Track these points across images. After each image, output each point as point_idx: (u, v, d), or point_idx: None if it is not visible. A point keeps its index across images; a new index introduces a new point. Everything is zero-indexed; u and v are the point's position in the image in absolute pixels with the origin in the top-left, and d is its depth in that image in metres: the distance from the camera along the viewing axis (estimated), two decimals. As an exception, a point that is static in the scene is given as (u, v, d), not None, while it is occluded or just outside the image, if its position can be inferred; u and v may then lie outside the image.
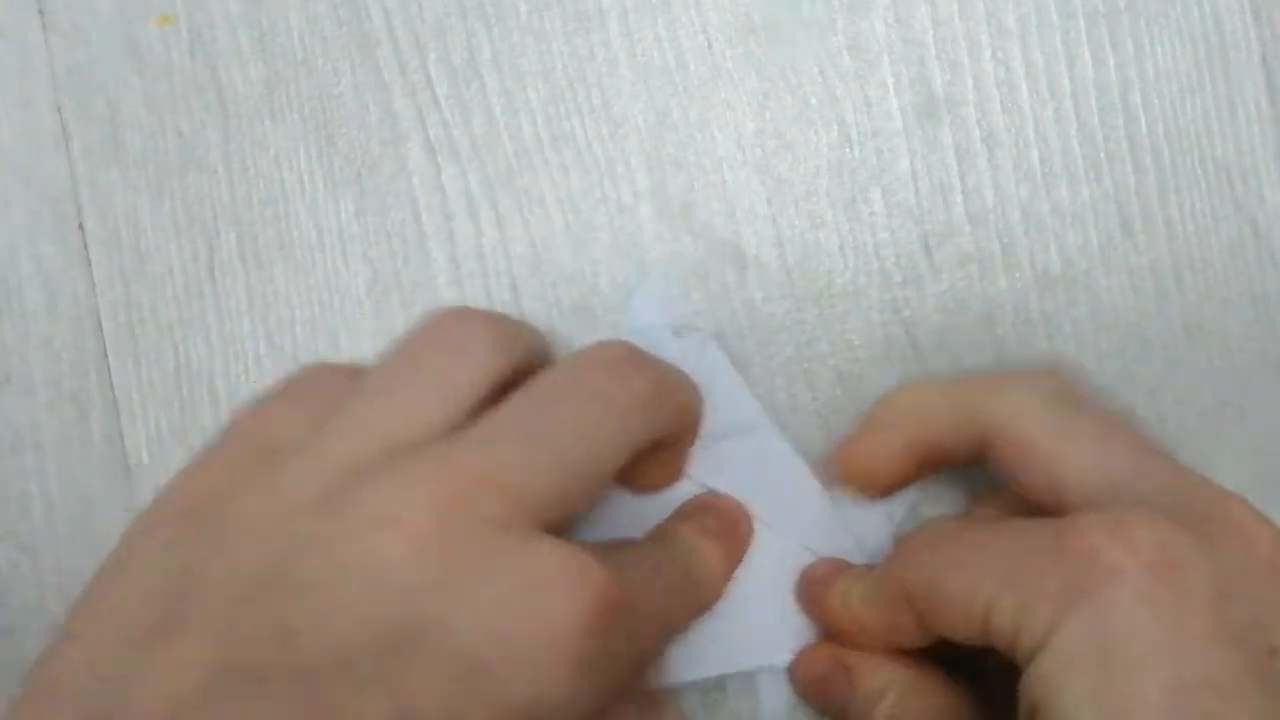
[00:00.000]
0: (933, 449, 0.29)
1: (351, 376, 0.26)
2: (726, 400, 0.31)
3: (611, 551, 0.25)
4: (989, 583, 0.25)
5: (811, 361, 0.32)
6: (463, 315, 0.26)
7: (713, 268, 0.32)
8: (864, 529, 0.31)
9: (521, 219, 0.33)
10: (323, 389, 0.26)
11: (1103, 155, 0.32)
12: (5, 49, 0.34)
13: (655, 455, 0.28)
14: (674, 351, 0.31)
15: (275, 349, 0.33)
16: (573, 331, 0.33)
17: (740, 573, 0.30)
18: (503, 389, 0.25)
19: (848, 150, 0.32)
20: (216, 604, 0.22)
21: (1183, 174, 0.32)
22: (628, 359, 0.26)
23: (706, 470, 0.30)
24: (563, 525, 0.24)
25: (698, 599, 0.29)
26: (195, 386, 0.33)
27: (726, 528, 0.30)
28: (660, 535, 0.29)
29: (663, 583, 0.28)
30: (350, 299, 0.33)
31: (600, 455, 0.25)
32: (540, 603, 0.22)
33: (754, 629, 0.30)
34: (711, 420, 0.30)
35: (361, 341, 0.33)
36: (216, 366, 0.33)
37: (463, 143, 0.33)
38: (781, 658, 0.30)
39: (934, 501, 0.32)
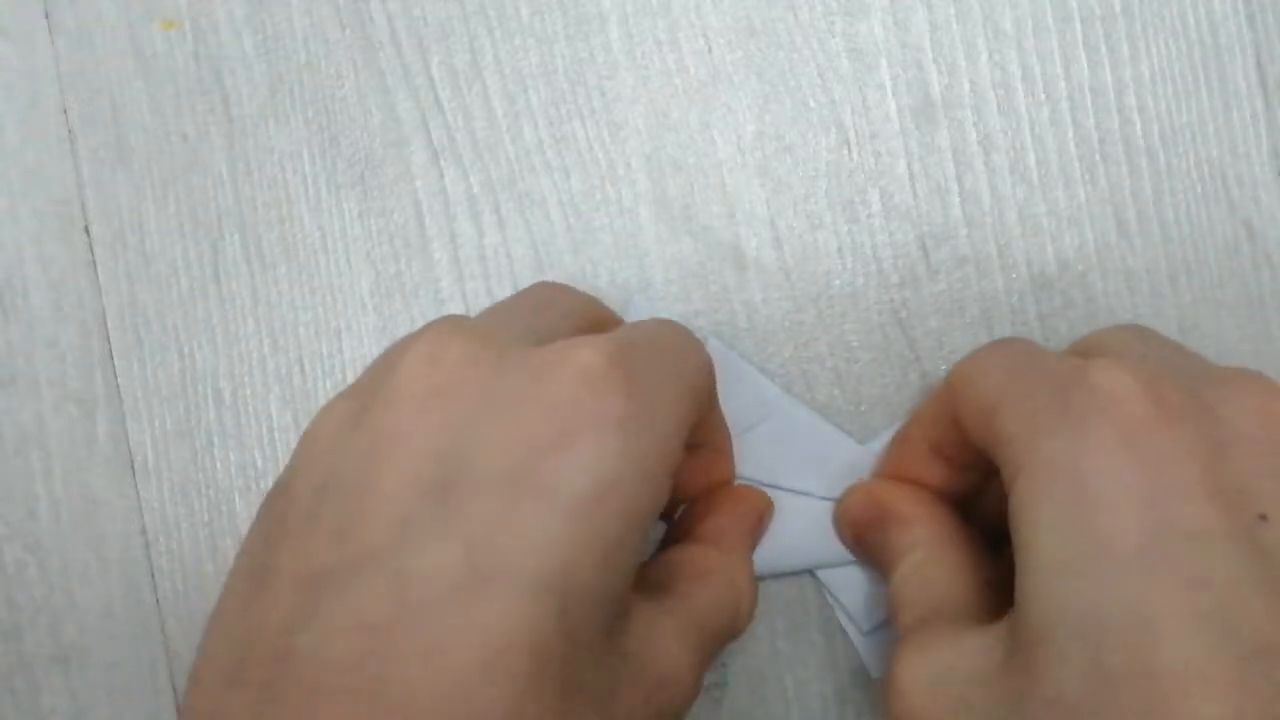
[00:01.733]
0: (947, 447, 0.29)
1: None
2: (742, 388, 0.32)
3: None
4: (1007, 385, 0.25)
5: (810, 362, 0.32)
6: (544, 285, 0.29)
7: (712, 269, 0.33)
8: None
9: (523, 221, 0.33)
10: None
11: (1098, 157, 0.32)
12: (12, 52, 0.34)
13: (700, 452, 0.29)
14: None
15: (279, 350, 0.34)
16: (574, 332, 0.33)
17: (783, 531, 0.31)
18: None
19: (846, 153, 0.33)
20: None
21: (1178, 176, 0.32)
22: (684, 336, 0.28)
23: (744, 464, 0.31)
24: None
25: (732, 623, 0.29)
26: (200, 387, 0.34)
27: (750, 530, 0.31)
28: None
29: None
30: (353, 300, 0.33)
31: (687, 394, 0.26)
32: None
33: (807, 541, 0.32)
34: (734, 414, 0.31)
35: (364, 342, 0.33)
36: (221, 367, 0.34)
37: (465, 145, 0.33)
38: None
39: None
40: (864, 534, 0.30)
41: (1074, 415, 0.23)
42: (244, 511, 0.33)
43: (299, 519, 0.23)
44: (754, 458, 0.31)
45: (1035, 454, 0.23)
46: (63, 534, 0.34)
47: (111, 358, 0.34)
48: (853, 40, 0.33)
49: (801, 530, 0.31)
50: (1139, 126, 0.32)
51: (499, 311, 0.28)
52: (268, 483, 0.33)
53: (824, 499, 0.31)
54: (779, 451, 0.31)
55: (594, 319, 0.29)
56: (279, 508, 0.24)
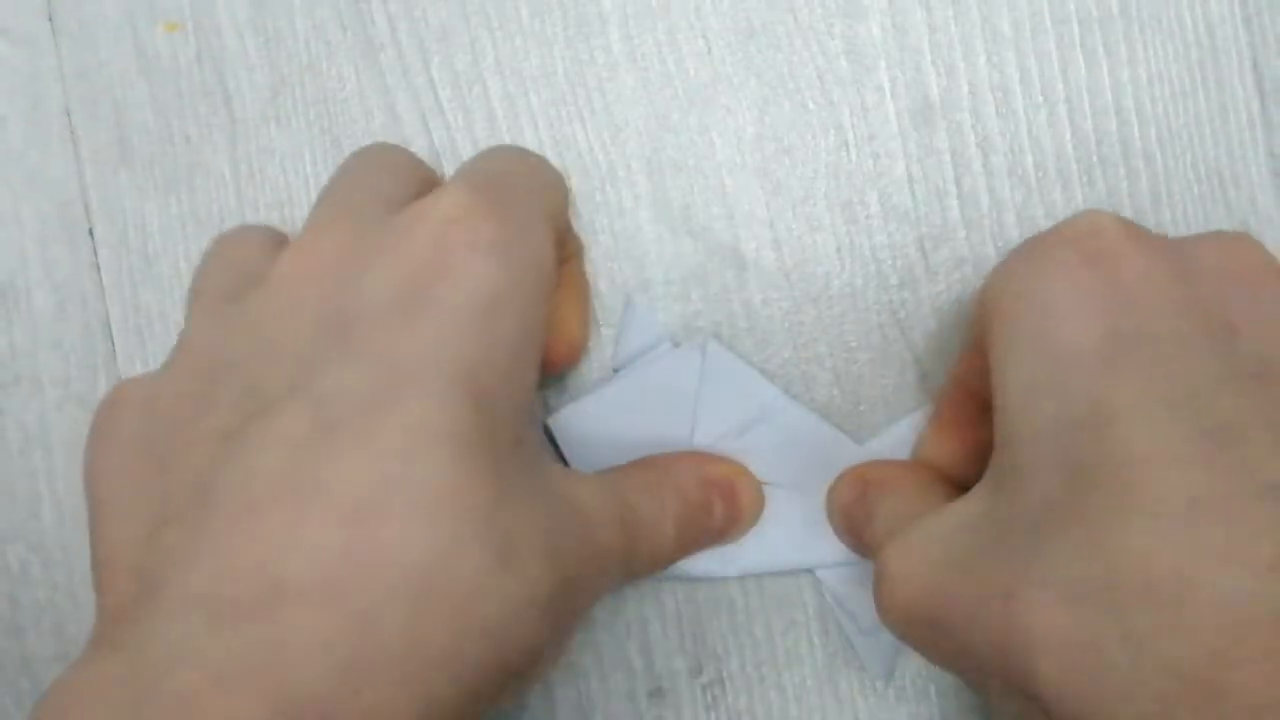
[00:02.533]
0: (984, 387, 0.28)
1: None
2: (742, 389, 0.32)
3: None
4: (999, 267, 0.25)
5: (809, 363, 0.33)
6: (362, 153, 0.30)
7: (712, 270, 0.33)
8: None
9: (523, 222, 0.33)
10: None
11: (1096, 159, 0.32)
12: (15, 54, 0.35)
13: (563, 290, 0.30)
14: (676, 360, 0.32)
15: (281, 350, 0.34)
16: (574, 333, 0.33)
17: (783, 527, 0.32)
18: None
19: (845, 154, 0.33)
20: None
21: (1175, 178, 0.32)
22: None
23: (743, 463, 0.32)
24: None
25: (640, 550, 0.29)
26: (202, 387, 0.34)
27: (730, 515, 0.31)
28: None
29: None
30: (355, 301, 0.34)
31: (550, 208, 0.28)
32: None
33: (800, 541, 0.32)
34: (734, 412, 0.31)
35: (366, 343, 0.33)
36: (223, 368, 0.34)
37: (465, 146, 0.33)
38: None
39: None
40: (851, 513, 0.30)
41: (1041, 250, 0.24)
42: (246, 511, 0.34)
43: (201, 395, 0.24)
44: (752, 458, 0.31)
45: (1003, 294, 0.24)
46: (66, 534, 0.34)
47: (115, 359, 0.34)
48: (851, 42, 0.33)
49: (799, 529, 0.31)
50: (1136, 128, 0.32)
51: (340, 194, 0.28)
52: (270, 483, 0.34)
53: (822, 498, 0.31)
54: (777, 451, 0.31)
55: (425, 178, 0.30)
56: (180, 388, 0.25)
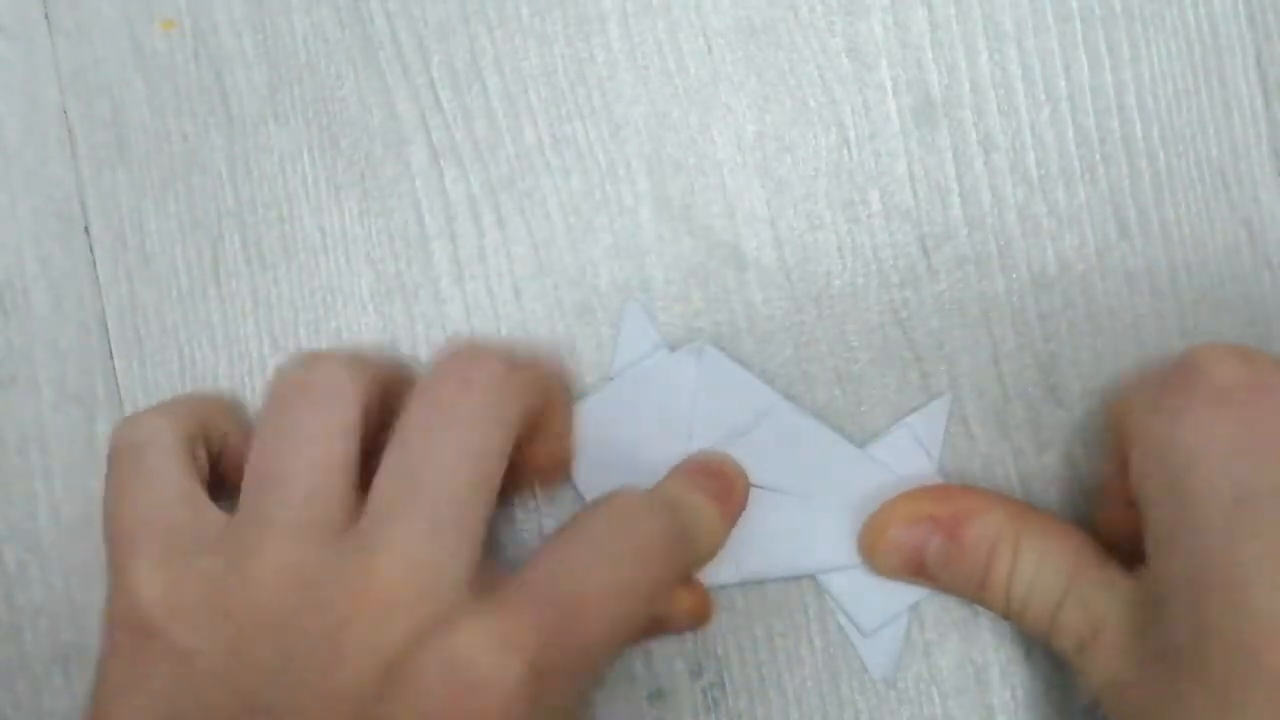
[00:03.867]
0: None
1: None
2: (739, 394, 0.32)
3: (548, 562, 0.26)
4: (1133, 381, 0.27)
5: (810, 362, 0.32)
6: (301, 384, 0.28)
7: (712, 269, 0.33)
8: (903, 467, 0.31)
9: (523, 221, 0.33)
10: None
11: (1098, 157, 0.32)
12: (11, 52, 0.34)
13: (540, 438, 0.29)
14: (673, 367, 0.32)
15: (279, 350, 0.34)
16: (574, 332, 0.33)
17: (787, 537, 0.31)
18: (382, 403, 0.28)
19: (846, 152, 0.33)
20: None
21: (1178, 176, 0.32)
22: (466, 357, 0.28)
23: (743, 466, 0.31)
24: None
25: (694, 554, 0.30)
26: (200, 387, 0.34)
27: (724, 489, 0.31)
28: (655, 494, 0.30)
29: (625, 562, 0.28)
30: (353, 301, 0.33)
31: (488, 467, 0.26)
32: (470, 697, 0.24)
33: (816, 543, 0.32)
34: (732, 418, 0.31)
35: (364, 343, 0.33)
36: (221, 368, 0.34)
37: (465, 145, 0.33)
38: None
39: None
40: (923, 555, 0.29)
41: (1172, 386, 0.25)
42: (244, 512, 0.33)
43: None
44: (752, 462, 0.31)
45: (1140, 427, 0.25)
46: (63, 534, 0.34)
47: (111, 358, 0.34)
48: (853, 40, 0.33)
49: (801, 534, 0.31)
50: (1139, 126, 0.32)
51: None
52: (268, 483, 0.33)
53: (823, 503, 0.31)
54: (777, 456, 0.31)
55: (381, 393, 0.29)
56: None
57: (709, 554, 0.30)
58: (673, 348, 0.32)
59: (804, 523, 0.31)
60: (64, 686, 0.33)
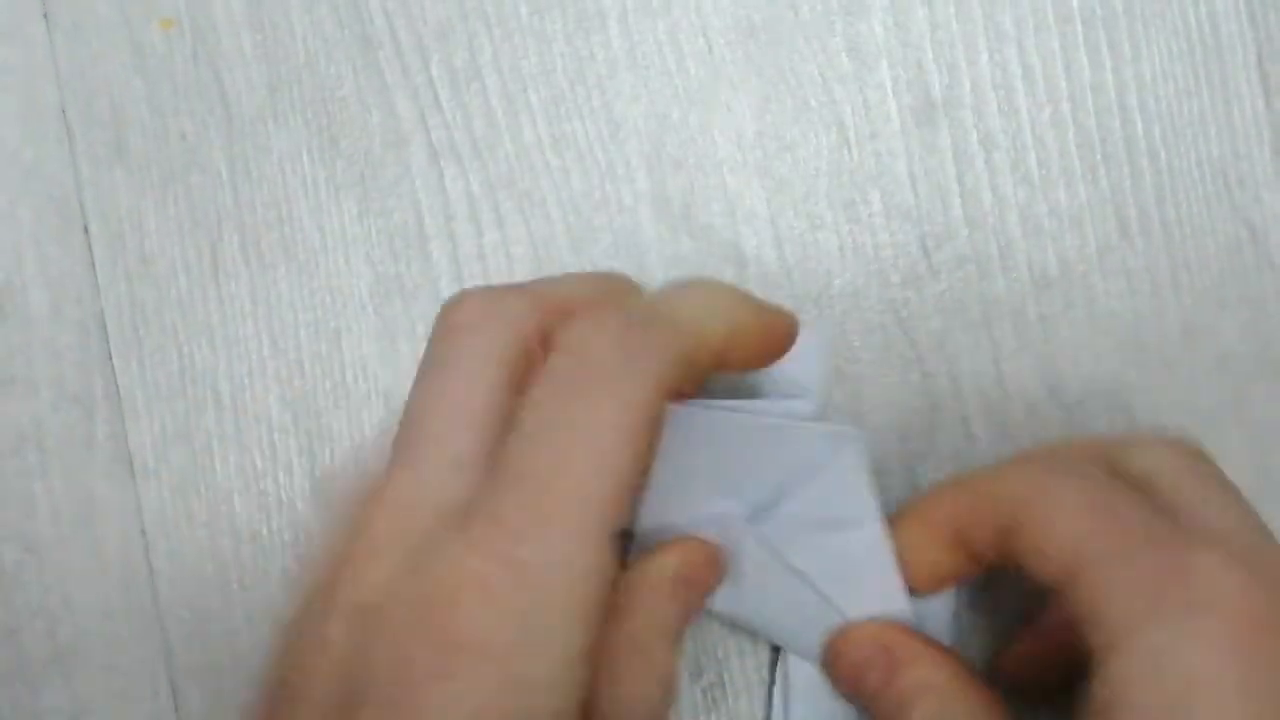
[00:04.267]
0: (966, 541, 0.28)
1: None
2: (843, 493, 0.29)
3: None
4: (1092, 539, 0.24)
5: (811, 362, 0.32)
6: (459, 308, 0.25)
7: (712, 268, 0.33)
8: (929, 623, 0.30)
9: (523, 220, 0.33)
10: None
11: (1099, 157, 0.32)
12: (11, 52, 0.34)
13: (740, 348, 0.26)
14: (812, 442, 0.29)
15: (278, 350, 0.33)
16: (574, 332, 0.33)
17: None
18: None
19: (846, 152, 0.33)
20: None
21: (1179, 176, 0.32)
22: (608, 323, 0.24)
23: (795, 553, 0.29)
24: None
25: None
26: (199, 388, 0.34)
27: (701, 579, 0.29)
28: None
29: None
30: (353, 300, 0.33)
31: (621, 450, 0.23)
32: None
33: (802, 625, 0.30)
34: (819, 508, 0.29)
35: (364, 343, 0.33)
36: (220, 368, 0.34)
37: (464, 145, 0.33)
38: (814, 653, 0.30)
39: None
40: (864, 678, 0.29)
41: (1179, 607, 0.23)
42: (243, 512, 0.33)
43: None
44: (808, 552, 0.29)
45: (1135, 640, 0.24)
46: (61, 535, 0.34)
47: (110, 358, 0.34)
48: (853, 40, 0.33)
49: (789, 610, 0.30)
50: (1140, 126, 0.32)
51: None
52: (267, 483, 0.33)
53: (823, 595, 0.29)
54: (833, 563, 0.29)
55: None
56: None
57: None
58: (822, 406, 0.29)
59: (795, 601, 0.30)
60: (62, 687, 0.33)
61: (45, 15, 0.34)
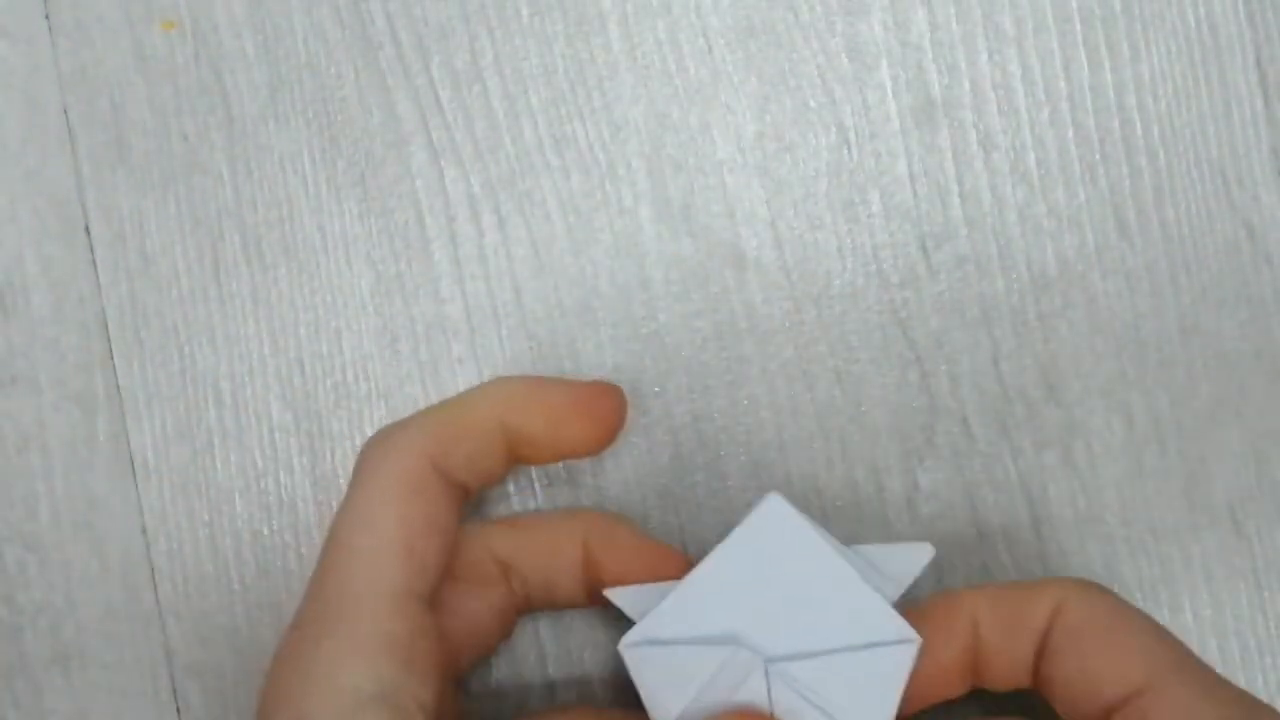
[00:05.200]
0: (982, 657, 0.27)
1: None
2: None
3: None
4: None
5: (810, 362, 0.32)
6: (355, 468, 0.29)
7: (713, 269, 0.33)
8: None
9: (523, 221, 0.33)
10: None
11: (1099, 157, 0.32)
12: (12, 52, 0.34)
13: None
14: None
15: (279, 350, 0.34)
16: (574, 332, 0.33)
17: None
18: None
19: (846, 153, 0.33)
20: None
21: (1178, 176, 0.32)
22: None
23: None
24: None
25: None
26: (200, 388, 0.34)
27: None
28: None
29: None
30: (354, 301, 0.33)
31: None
32: None
33: None
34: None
35: (364, 343, 0.33)
36: (221, 368, 0.34)
37: (465, 145, 0.33)
38: None
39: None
40: None
41: None
42: (244, 511, 0.33)
43: None
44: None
45: None
46: (63, 534, 0.34)
47: (112, 358, 0.34)
48: (853, 40, 0.33)
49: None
50: (1139, 126, 0.32)
51: None
52: (268, 483, 0.33)
53: None
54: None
55: None
56: None
57: None
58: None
59: None
60: (64, 686, 0.33)
61: (47, 16, 0.34)
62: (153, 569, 0.33)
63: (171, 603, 0.33)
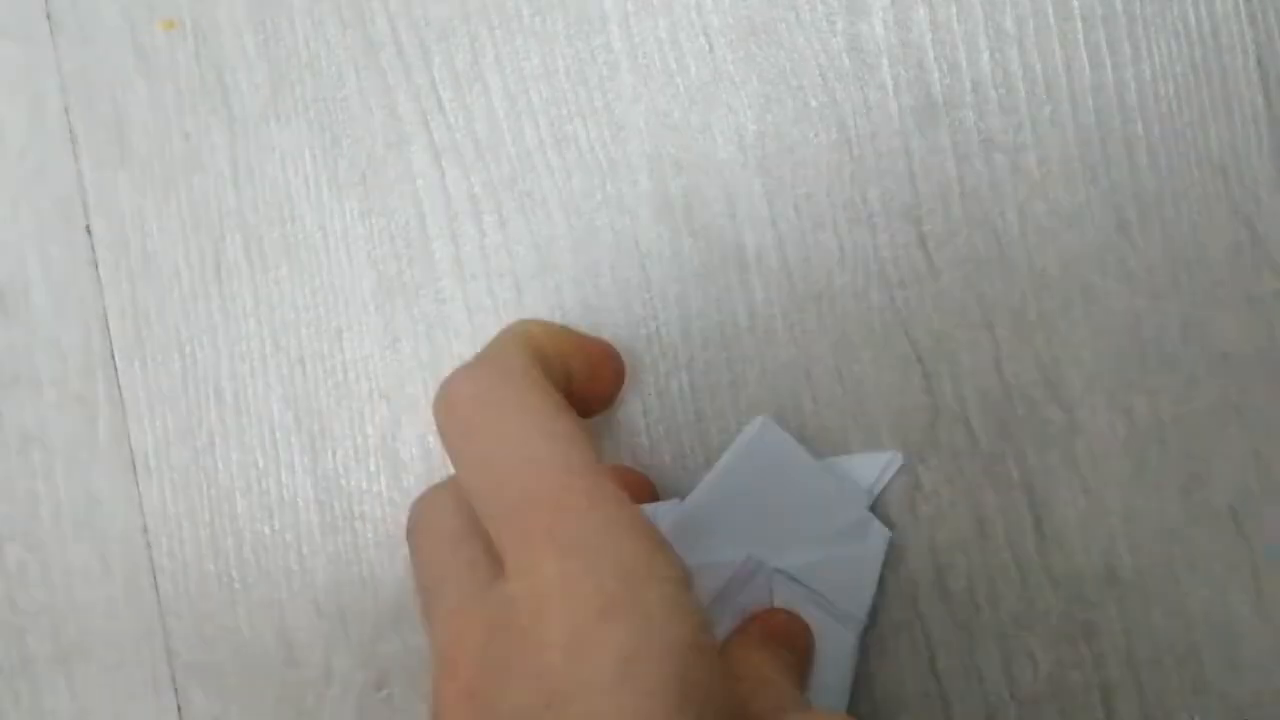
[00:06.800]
0: None
1: None
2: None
3: None
4: None
5: (812, 361, 0.32)
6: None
7: (714, 268, 0.33)
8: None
9: (524, 220, 0.33)
10: None
11: (1099, 157, 0.32)
12: (14, 52, 0.34)
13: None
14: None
15: (280, 350, 0.34)
16: (575, 332, 0.33)
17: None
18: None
19: (847, 152, 0.33)
20: None
21: (1179, 175, 0.32)
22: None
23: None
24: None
25: None
26: (201, 387, 0.34)
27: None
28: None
29: None
30: (355, 300, 0.33)
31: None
32: None
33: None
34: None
35: (365, 342, 0.33)
36: (222, 367, 0.34)
37: (466, 145, 0.33)
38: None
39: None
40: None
41: None
42: (245, 511, 0.33)
43: None
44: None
45: None
46: (64, 534, 0.34)
47: (113, 358, 0.34)
48: (854, 39, 0.33)
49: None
50: (1140, 126, 0.32)
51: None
52: (269, 482, 0.33)
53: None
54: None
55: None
56: None
57: None
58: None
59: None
60: (65, 686, 0.33)
61: (49, 16, 0.34)
62: (154, 568, 0.33)
63: (172, 602, 0.33)
